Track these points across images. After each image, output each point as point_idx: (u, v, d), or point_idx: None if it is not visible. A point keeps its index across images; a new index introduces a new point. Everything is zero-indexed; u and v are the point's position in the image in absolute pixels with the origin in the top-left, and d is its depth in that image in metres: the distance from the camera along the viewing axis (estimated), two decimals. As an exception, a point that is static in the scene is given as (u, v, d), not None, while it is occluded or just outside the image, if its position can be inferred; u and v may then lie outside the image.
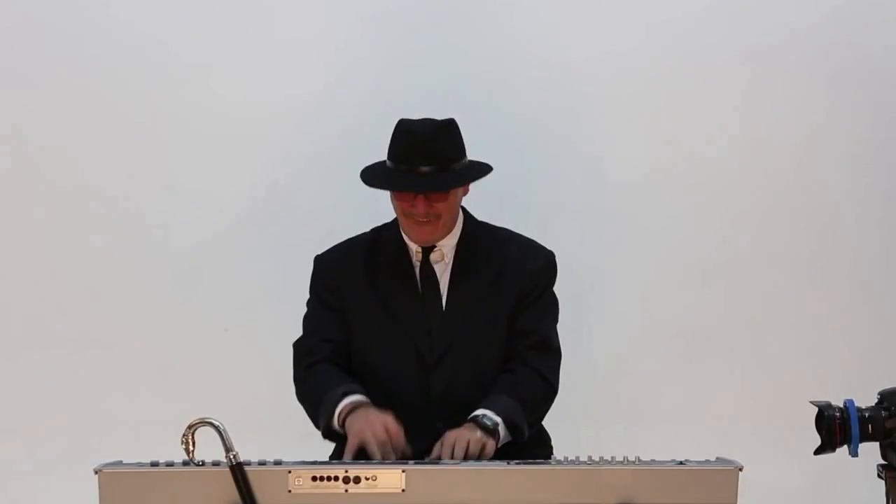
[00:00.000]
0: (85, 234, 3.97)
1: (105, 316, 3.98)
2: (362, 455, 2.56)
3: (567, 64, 3.97)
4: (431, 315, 2.82)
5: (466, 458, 2.54)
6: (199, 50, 3.94)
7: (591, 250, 3.94)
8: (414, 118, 2.82)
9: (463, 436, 2.59)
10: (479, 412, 2.65)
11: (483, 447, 2.58)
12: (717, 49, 3.98)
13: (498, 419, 2.64)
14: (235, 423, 2.34)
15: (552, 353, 2.87)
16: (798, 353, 4.00)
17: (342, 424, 2.64)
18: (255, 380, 3.88)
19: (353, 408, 2.64)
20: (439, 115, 2.83)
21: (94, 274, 3.97)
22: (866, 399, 2.33)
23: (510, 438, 2.69)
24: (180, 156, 3.97)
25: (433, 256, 2.84)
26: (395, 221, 2.89)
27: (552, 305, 2.91)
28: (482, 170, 2.83)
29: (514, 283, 2.82)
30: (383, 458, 2.53)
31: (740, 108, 4.00)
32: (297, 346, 2.89)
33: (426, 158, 2.72)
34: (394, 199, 2.81)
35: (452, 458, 2.53)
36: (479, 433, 2.60)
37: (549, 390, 2.84)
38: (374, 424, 2.57)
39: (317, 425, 2.77)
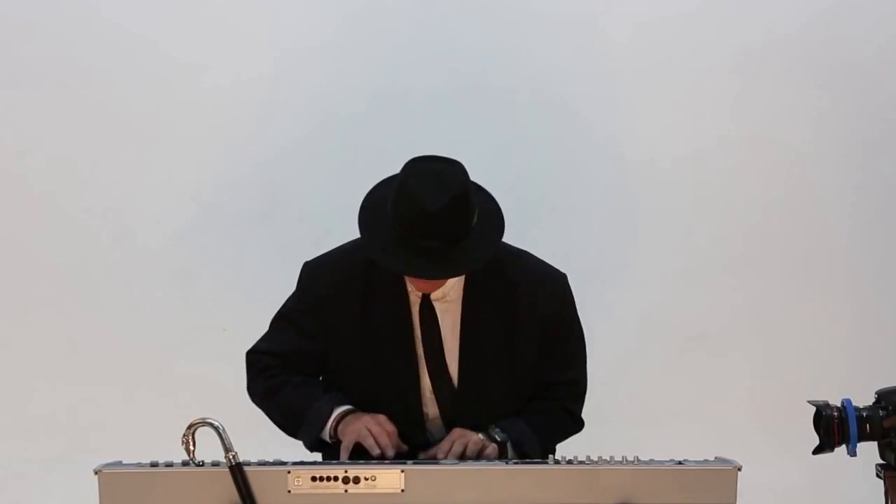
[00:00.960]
0: (82, 236, 3.98)
1: (105, 316, 3.98)
2: (357, 453, 2.55)
3: (561, 64, 3.98)
4: (437, 378, 2.63)
5: (464, 457, 2.52)
6: (193, 50, 3.95)
7: (588, 250, 3.94)
8: (424, 162, 2.50)
9: (466, 435, 2.56)
10: (492, 427, 2.59)
11: (483, 449, 2.54)
12: (709, 49, 3.99)
13: (508, 439, 2.57)
14: (235, 424, 2.34)
15: (582, 393, 2.77)
16: (796, 353, 4.01)
17: (334, 432, 2.60)
18: (254, 379, 3.88)
19: (345, 414, 2.59)
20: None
21: (93, 274, 3.98)
22: (864, 398, 2.32)
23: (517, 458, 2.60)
24: (177, 157, 3.98)
25: (434, 294, 2.60)
26: None
27: (580, 340, 2.74)
28: (491, 242, 2.52)
29: (532, 329, 2.63)
30: (382, 447, 2.50)
31: (737, 108, 4.01)
32: (253, 359, 2.76)
33: (433, 236, 2.42)
34: None
35: (450, 453, 2.52)
36: (481, 435, 2.57)
37: (574, 427, 2.76)
38: (369, 422, 2.54)
39: (293, 435, 2.68)
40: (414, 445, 2.62)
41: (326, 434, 2.62)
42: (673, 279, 4.01)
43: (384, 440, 2.51)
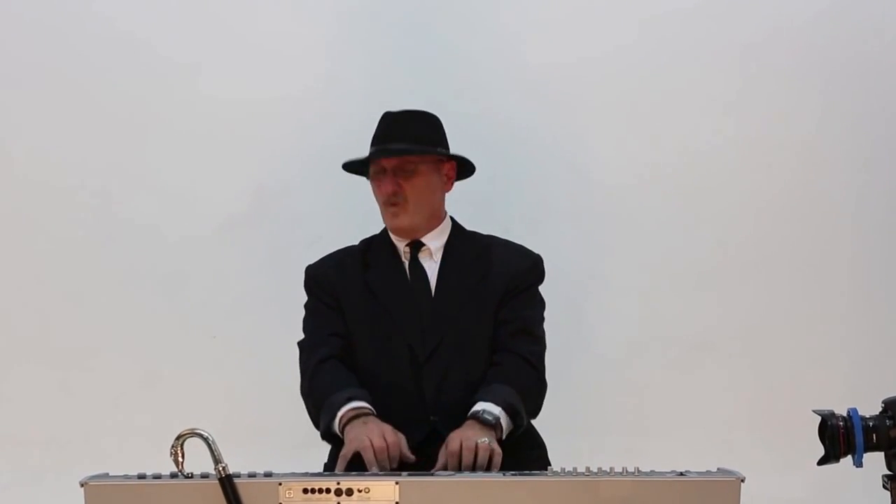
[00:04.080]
0: (69, 239, 3.93)
1: (90, 323, 3.93)
2: (356, 462, 2.54)
3: (559, 63, 3.94)
4: (423, 311, 2.84)
5: (475, 467, 2.51)
6: (186, 50, 3.91)
7: (586, 255, 3.91)
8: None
9: (469, 440, 2.55)
10: (479, 408, 2.64)
11: (491, 455, 2.55)
12: (710, 47, 3.96)
13: (497, 410, 2.64)
14: (224, 434, 2.32)
15: (535, 339, 2.87)
16: (800, 361, 3.96)
17: (342, 430, 2.64)
18: (244, 389, 3.83)
19: (355, 415, 2.63)
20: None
21: (80, 280, 3.93)
22: (870, 408, 2.29)
23: (512, 427, 2.68)
24: (167, 158, 3.93)
25: (421, 255, 2.88)
26: (384, 230, 2.93)
27: (536, 300, 2.92)
28: (457, 155, 2.89)
29: (501, 282, 2.85)
30: (380, 467, 2.50)
31: (735, 107, 3.97)
32: (304, 343, 2.90)
33: (400, 137, 2.81)
34: (371, 185, 2.88)
35: (461, 468, 2.51)
36: (486, 439, 2.56)
37: (538, 377, 2.84)
38: (373, 433, 2.56)
39: (316, 424, 2.77)
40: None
41: (336, 426, 2.66)
42: (671, 285, 3.97)
43: (383, 457, 2.53)
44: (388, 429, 2.59)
